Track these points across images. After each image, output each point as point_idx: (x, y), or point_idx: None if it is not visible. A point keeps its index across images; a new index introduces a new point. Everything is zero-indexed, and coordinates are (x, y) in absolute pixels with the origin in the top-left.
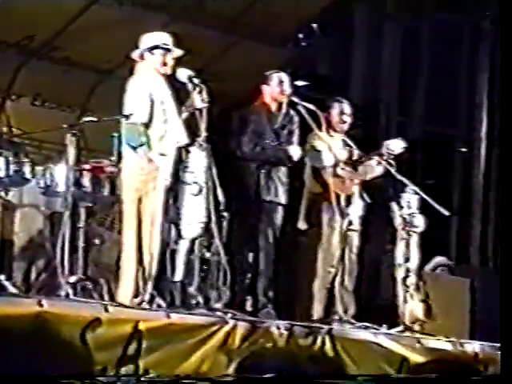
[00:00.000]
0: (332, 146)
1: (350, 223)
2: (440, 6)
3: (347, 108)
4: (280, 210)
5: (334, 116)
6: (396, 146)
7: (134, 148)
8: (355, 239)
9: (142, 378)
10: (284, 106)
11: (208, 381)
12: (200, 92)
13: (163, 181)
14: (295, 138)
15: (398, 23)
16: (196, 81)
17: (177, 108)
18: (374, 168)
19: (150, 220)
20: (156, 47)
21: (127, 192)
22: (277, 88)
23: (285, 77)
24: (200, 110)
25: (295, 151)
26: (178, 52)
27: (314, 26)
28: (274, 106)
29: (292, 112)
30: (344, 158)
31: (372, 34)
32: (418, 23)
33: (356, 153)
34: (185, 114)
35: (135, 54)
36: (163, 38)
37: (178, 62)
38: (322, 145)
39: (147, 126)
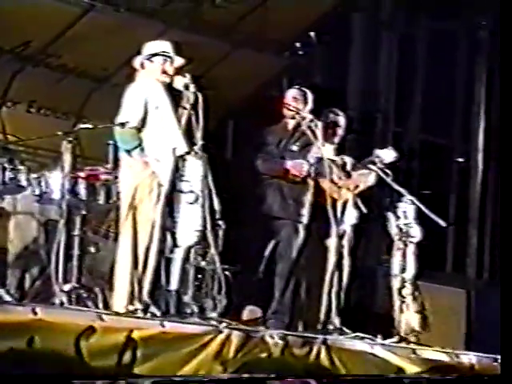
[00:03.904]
0: (324, 156)
1: (344, 231)
2: (437, 15)
3: (341, 120)
4: (300, 228)
5: (327, 127)
6: (387, 155)
7: (129, 152)
8: (348, 248)
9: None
10: (303, 124)
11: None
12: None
13: (159, 187)
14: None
15: (395, 32)
16: (192, 89)
17: (175, 116)
18: (368, 176)
19: (144, 227)
20: (155, 55)
21: (124, 198)
22: (291, 104)
23: (299, 93)
24: (197, 117)
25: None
26: (178, 60)
27: (311, 34)
28: (290, 125)
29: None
30: (337, 167)
31: (369, 42)
32: (415, 32)
33: (349, 161)
34: (184, 116)
35: (136, 63)
36: (163, 46)
37: (179, 71)
38: (316, 154)
39: (139, 129)
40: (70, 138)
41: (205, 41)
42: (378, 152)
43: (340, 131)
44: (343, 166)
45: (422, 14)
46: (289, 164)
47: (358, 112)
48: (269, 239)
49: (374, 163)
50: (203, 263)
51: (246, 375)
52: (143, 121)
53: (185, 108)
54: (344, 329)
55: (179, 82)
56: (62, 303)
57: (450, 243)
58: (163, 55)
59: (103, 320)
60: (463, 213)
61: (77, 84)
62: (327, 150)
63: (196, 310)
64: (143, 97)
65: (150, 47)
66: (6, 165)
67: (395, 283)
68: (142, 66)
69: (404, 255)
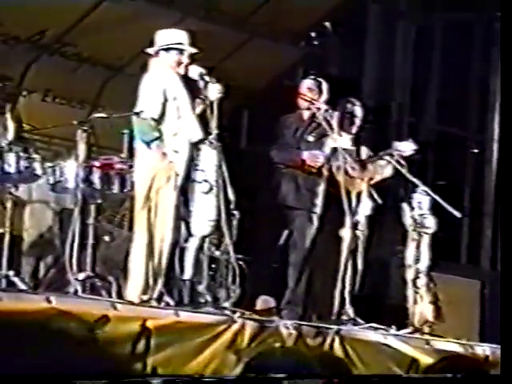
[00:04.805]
0: (341, 146)
1: (358, 222)
2: (453, 6)
3: (358, 110)
4: (314, 218)
5: (344, 117)
6: (406, 147)
7: (148, 143)
8: (362, 239)
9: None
10: (319, 115)
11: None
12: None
13: (176, 177)
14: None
15: (411, 23)
16: (207, 78)
17: (191, 105)
18: (384, 168)
19: (161, 217)
20: (173, 49)
21: (140, 188)
22: (306, 94)
23: (314, 83)
24: (211, 107)
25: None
26: (193, 51)
27: (327, 24)
28: (305, 115)
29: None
30: (352, 158)
31: (385, 33)
32: (431, 23)
33: (365, 152)
34: (199, 108)
35: (151, 50)
36: (179, 37)
37: (193, 61)
38: (332, 144)
39: (159, 121)
40: (85, 127)
41: (220, 31)
42: (397, 144)
43: (357, 121)
44: (359, 157)
45: (438, 4)
46: (305, 155)
47: (374, 102)
48: (283, 229)
49: (391, 155)
50: (217, 253)
51: (251, 375)
52: (162, 111)
53: (201, 98)
54: (358, 319)
55: (194, 72)
56: (76, 292)
57: (465, 234)
58: (180, 48)
59: (117, 309)
60: (478, 204)
61: (92, 73)
62: (344, 141)
63: (210, 299)
64: (161, 87)
65: (166, 36)
66: (21, 154)
67: (409, 274)
68: (157, 53)
69: (418, 246)
